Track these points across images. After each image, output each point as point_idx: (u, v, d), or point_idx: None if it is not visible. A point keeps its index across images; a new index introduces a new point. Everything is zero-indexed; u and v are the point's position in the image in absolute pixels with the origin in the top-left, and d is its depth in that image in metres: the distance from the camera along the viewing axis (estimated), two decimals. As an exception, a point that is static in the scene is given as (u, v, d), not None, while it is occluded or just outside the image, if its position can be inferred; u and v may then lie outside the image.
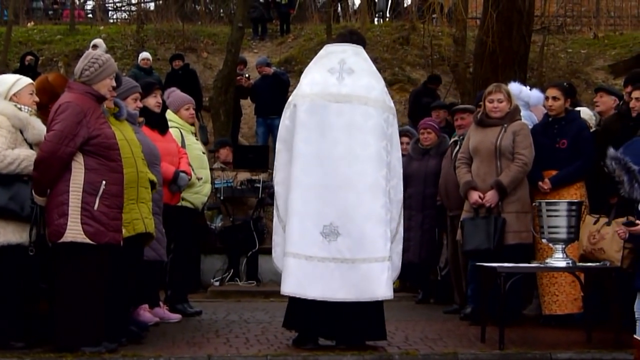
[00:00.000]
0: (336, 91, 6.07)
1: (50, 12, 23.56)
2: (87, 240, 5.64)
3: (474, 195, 7.18)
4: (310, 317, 6.01)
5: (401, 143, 9.82)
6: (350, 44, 6.32)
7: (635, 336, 5.48)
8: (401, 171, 6.33)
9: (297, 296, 5.99)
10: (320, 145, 6.01)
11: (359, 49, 6.33)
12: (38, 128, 5.94)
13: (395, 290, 9.54)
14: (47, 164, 5.67)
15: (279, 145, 6.30)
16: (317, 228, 5.95)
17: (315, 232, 5.94)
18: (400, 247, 6.30)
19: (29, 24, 21.59)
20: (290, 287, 5.97)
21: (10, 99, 6.00)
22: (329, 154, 5.99)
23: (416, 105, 13.65)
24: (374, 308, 6.00)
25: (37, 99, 6.08)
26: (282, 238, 6.10)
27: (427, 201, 8.74)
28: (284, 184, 6.16)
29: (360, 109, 6.04)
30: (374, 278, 5.89)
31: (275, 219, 6.25)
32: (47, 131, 5.77)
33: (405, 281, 9.90)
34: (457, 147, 8.05)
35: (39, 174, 5.71)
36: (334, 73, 6.13)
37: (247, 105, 16.13)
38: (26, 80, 6.13)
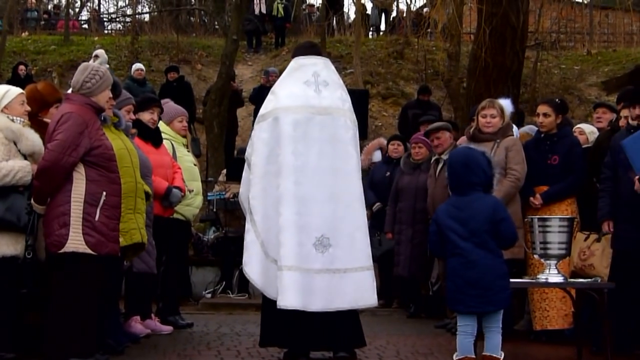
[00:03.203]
0: (317, 104, 6.09)
1: (42, 23, 23.53)
2: (89, 251, 5.64)
3: (467, 211, 7.20)
4: (292, 331, 5.96)
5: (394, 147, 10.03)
6: (318, 56, 6.34)
7: None
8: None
9: (299, 309, 5.87)
10: (307, 158, 6.03)
11: (327, 61, 6.36)
12: (31, 139, 5.94)
13: (384, 306, 9.69)
14: (50, 173, 5.67)
15: (253, 159, 6.19)
16: (309, 240, 5.95)
17: (308, 244, 5.95)
18: None
19: (23, 34, 21.59)
20: (290, 300, 5.84)
21: (2, 111, 5.98)
22: (316, 166, 6.02)
23: (405, 118, 13.69)
24: (351, 316, 6.01)
25: (28, 108, 6.06)
26: (259, 256, 6.08)
27: (418, 215, 8.78)
28: (261, 197, 6.11)
29: (340, 121, 6.10)
30: (367, 286, 5.94)
31: (251, 236, 6.16)
32: (48, 141, 5.76)
33: (392, 298, 9.91)
34: (439, 165, 8.09)
35: (41, 183, 5.72)
36: (310, 85, 6.14)
37: (241, 118, 16.15)
38: (16, 91, 6.09)
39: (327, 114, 6.08)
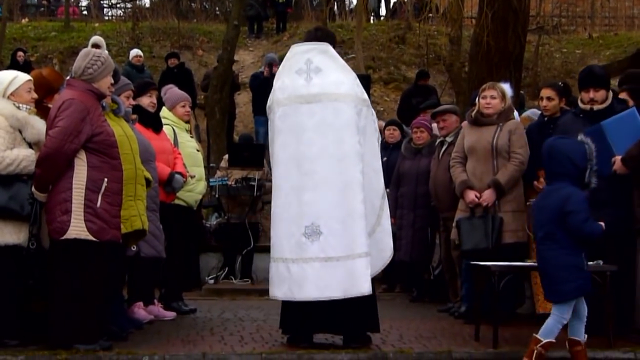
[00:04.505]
0: (305, 92, 6.08)
1: (42, 9, 23.46)
2: (91, 238, 5.66)
3: (471, 195, 7.21)
4: (306, 316, 6.03)
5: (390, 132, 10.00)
6: (315, 42, 6.30)
7: None
8: (378, 165, 6.29)
9: (287, 299, 6.05)
10: (295, 148, 6.06)
11: (325, 46, 6.27)
12: (37, 127, 5.92)
13: (386, 291, 9.69)
14: (52, 160, 5.67)
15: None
16: (299, 230, 5.97)
17: (297, 234, 5.97)
18: (386, 236, 6.23)
19: (23, 21, 21.54)
20: (279, 291, 6.04)
21: (8, 98, 5.96)
22: (304, 155, 6.02)
23: (405, 104, 13.64)
24: (366, 301, 5.99)
25: (35, 95, 6.05)
26: None
27: (419, 200, 8.77)
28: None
29: (331, 107, 6.05)
30: (360, 274, 5.88)
31: None
32: (50, 128, 5.75)
33: (395, 283, 9.91)
34: (444, 147, 8.07)
35: (43, 170, 5.72)
36: (301, 74, 6.13)
37: (243, 104, 16.13)
38: (24, 77, 6.09)
39: (317, 101, 6.06)
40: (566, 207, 5.41)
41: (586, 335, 5.60)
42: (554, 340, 5.49)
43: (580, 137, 5.71)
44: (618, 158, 6.18)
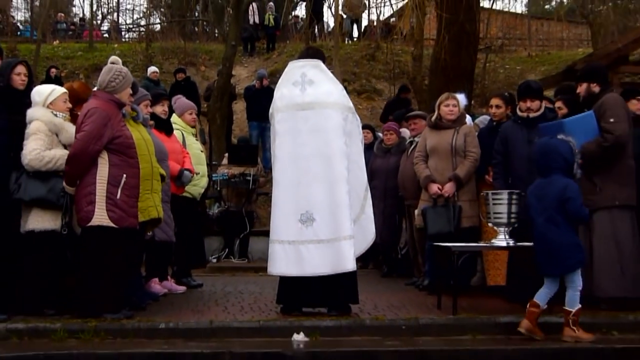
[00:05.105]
0: (301, 101, 6.06)
1: (70, 32, 23.25)
2: (111, 224, 5.64)
3: (434, 187, 7.17)
4: (299, 288, 6.01)
5: (363, 135, 9.93)
6: (308, 59, 6.28)
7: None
8: (362, 162, 6.28)
9: (283, 275, 6.02)
10: (292, 148, 6.03)
11: (317, 62, 6.25)
12: (70, 132, 5.92)
13: (361, 268, 9.63)
14: (78, 160, 5.66)
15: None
16: (295, 216, 5.95)
17: (294, 220, 5.94)
18: (369, 223, 6.22)
19: (54, 42, 21.34)
20: (277, 268, 6.00)
21: (47, 107, 5.97)
22: (300, 154, 6.00)
23: (387, 112, 13.57)
24: (348, 277, 5.98)
25: (69, 105, 6.06)
26: None
27: (389, 192, 8.70)
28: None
29: (323, 113, 6.02)
30: (345, 254, 5.87)
31: None
32: (77, 132, 5.75)
33: (368, 261, 9.87)
34: (412, 146, 8.05)
35: (71, 167, 5.70)
36: (297, 85, 6.11)
37: (239, 111, 16.06)
38: (60, 90, 6.11)
39: (310, 109, 6.03)
40: (565, 195, 5.43)
41: (547, 305, 5.57)
42: (580, 306, 5.47)
43: (561, 136, 5.69)
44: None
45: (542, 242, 5.50)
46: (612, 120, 6.17)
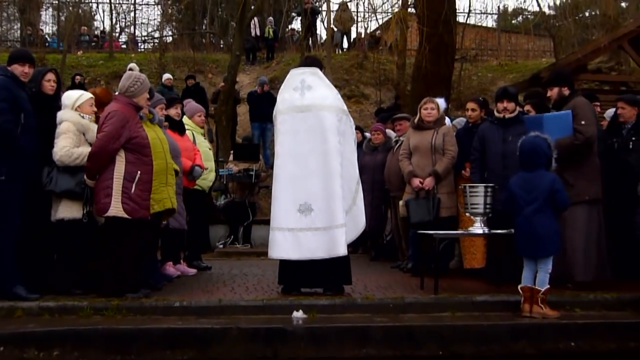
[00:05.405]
0: (300, 104, 6.04)
1: (92, 44, 23.14)
2: (125, 215, 5.62)
3: (416, 182, 7.16)
4: (297, 271, 6.00)
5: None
6: (307, 67, 6.27)
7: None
8: (354, 159, 6.25)
9: (283, 259, 6.00)
10: (292, 146, 6.02)
11: (315, 69, 6.23)
12: (95, 131, 5.89)
13: (352, 252, 9.59)
14: (98, 157, 5.64)
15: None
16: (294, 207, 5.93)
17: (293, 210, 5.93)
18: (360, 214, 6.18)
19: (78, 52, 21.22)
20: (277, 252, 5.98)
21: (75, 110, 5.98)
22: (298, 151, 5.99)
23: (379, 113, 13.51)
24: (342, 261, 5.97)
25: (95, 109, 6.07)
26: None
27: (376, 185, 8.68)
28: None
29: (319, 115, 6.00)
30: (338, 240, 5.86)
31: None
32: (98, 132, 5.74)
33: (358, 246, 9.85)
34: (397, 145, 8.03)
35: (92, 164, 5.69)
36: (297, 90, 6.10)
37: (242, 114, 16.00)
38: (87, 95, 6.12)
39: (308, 111, 6.01)
40: (554, 187, 5.47)
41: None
42: (548, 286, 5.49)
43: (537, 133, 5.69)
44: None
45: (528, 228, 5.49)
46: (583, 122, 6.18)
